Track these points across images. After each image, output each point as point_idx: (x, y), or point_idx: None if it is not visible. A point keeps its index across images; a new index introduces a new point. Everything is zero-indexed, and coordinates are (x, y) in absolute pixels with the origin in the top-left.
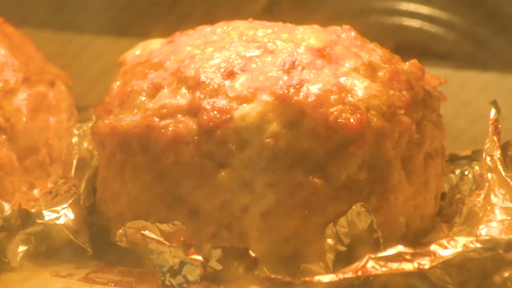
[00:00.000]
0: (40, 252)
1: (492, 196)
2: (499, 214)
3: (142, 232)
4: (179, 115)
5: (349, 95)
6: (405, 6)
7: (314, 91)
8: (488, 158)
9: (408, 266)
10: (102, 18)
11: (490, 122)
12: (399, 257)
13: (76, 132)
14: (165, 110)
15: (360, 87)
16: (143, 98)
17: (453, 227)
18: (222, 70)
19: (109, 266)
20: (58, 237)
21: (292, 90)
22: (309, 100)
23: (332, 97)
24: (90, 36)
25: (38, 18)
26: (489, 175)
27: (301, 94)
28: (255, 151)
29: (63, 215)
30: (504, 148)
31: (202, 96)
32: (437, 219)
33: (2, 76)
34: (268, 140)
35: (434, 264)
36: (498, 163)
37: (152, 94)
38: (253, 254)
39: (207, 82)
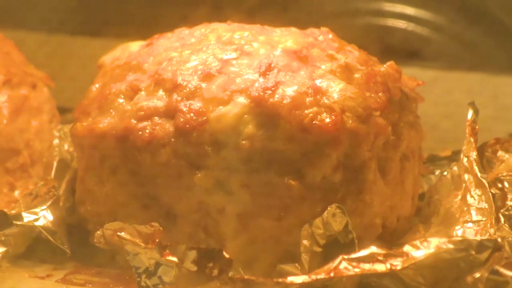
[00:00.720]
0: (19, 253)
1: (468, 197)
2: (475, 215)
3: (118, 233)
4: (156, 117)
5: (324, 97)
6: (392, 8)
7: (290, 93)
8: (465, 159)
9: (380, 267)
10: (78, 18)
11: (468, 123)
12: (371, 258)
13: (57, 134)
14: (143, 113)
15: (335, 89)
16: (121, 101)
17: (430, 228)
18: (199, 72)
19: (87, 267)
20: (37, 238)
21: (267, 92)
22: (284, 102)
23: (307, 99)
24: (64, 37)
25: (15, 19)
26: (466, 176)
27: (277, 96)
28: (231, 152)
29: (42, 216)
30: (481, 149)
31: (179, 98)
32: (414, 220)
33: None
34: (243, 142)
35: (406, 265)
36: (474, 164)
37: (130, 97)
38: (227, 255)
39: (184, 85)
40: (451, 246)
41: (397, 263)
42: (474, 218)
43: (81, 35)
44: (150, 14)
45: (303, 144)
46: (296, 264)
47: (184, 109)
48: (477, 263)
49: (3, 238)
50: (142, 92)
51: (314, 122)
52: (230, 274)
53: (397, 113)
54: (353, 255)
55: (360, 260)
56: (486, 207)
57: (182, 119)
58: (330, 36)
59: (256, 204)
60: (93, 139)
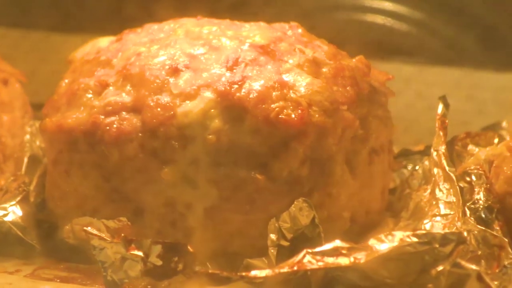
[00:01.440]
0: None
1: (437, 191)
2: (443, 209)
3: (85, 228)
4: (124, 112)
5: (291, 91)
6: (372, 3)
7: (256, 88)
8: (435, 153)
9: (344, 261)
10: (57, 13)
11: (438, 117)
12: (335, 252)
13: (28, 129)
14: (110, 108)
15: (302, 84)
16: (89, 96)
17: (399, 222)
18: (167, 67)
19: (56, 262)
20: (6, 233)
21: (234, 86)
22: (251, 96)
23: (274, 93)
24: (43, 33)
25: None
26: (435, 170)
27: (243, 90)
28: (197, 147)
29: (11, 212)
30: (451, 143)
31: (146, 93)
32: (385, 214)
33: None
34: (210, 136)
35: (369, 258)
36: (443, 158)
37: (98, 92)
38: (191, 250)
39: (151, 80)
40: (415, 239)
41: (361, 257)
42: (443, 211)
43: (60, 31)
44: (132, 10)
45: (269, 138)
46: (263, 258)
47: (151, 104)
48: (441, 256)
49: None
50: (110, 87)
51: (280, 116)
52: (197, 268)
53: (365, 107)
54: (317, 249)
55: (324, 254)
56: (454, 200)
57: (149, 114)
58: (300, 30)
59: (223, 198)
60: (61, 134)
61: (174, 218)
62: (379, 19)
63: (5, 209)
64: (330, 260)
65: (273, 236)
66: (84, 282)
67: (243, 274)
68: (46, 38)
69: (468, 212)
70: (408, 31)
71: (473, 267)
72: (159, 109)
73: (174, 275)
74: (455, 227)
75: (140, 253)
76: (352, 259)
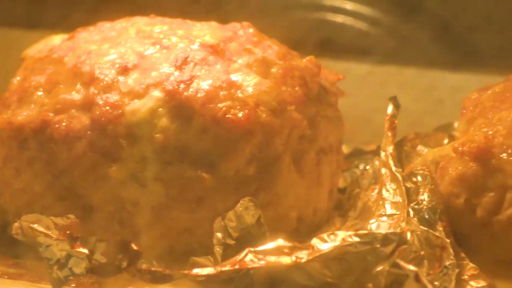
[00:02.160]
0: None
1: (384, 191)
2: (389, 209)
3: (31, 225)
4: (73, 110)
5: (239, 91)
6: (330, 2)
7: (204, 87)
8: (383, 154)
9: (285, 260)
10: (16, 9)
11: (387, 117)
12: (277, 251)
13: None
14: (60, 105)
15: (250, 83)
16: (40, 93)
17: (346, 221)
18: (117, 66)
19: (5, 259)
20: None
21: (182, 86)
22: (198, 96)
23: (221, 93)
24: (3, 28)
25: None
26: (383, 170)
27: (191, 90)
28: (145, 146)
29: None
30: (400, 143)
31: (96, 91)
32: (334, 213)
33: None
34: (157, 135)
35: (311, 257)
36: (390, 158)
37: (49, 90)
38: (135, 247)
39: (101, 78)
40: (356, 239)
41: (303, 256)
42: (389, 212)
43: (19, 27)
44: (92, 5)
45: (216, 138)
46: (209, 256)
47: (100, 102)
48: (382, 256)
49: None
50: (61, 85)
51: (227, 115)
52: (144, 266)
53: (314, 107)
54: (260, 248)
55: (266, 252)
56: (400, 201)
57: (98, 112)
58: (251, 30)
59: (169, 196)
60: (11, 132)
61: (122, 216)
62: (335, 18)
63: None
64: (272, 259)
65: (219, 235)
66: (32, 279)
67: (185, 272)
68: (5, 34)
69: (411, 213)
70: (365, 29)
71: (411, 267)
72: (108, 108)
73: (118, 273)
74: (399, 228)
75: (85, 251)
76: (293, 258)
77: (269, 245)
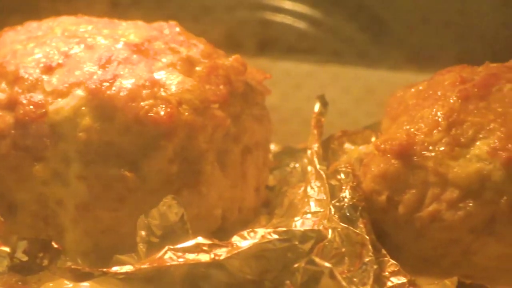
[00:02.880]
0: None
1: (309, 189)
2: (314, 206)
3: None
4: None
5: (161, 89)
6: (271, 2)
7: (127, 86)
8: (309, 152)
9: (204, 257)
10: None
11: (314, 115)
12: (196, 248)
13: None
14: None
15: (173, 82)
16: None
17: (272, 219)
18: (41, 65)
19: None
20: None
21: (105, 84)
22: (121, 94)
23: (144, 91)
24: None
25: None
26: (309, 168)
27: (114, 88)
28: (68, 144)
29: None
30: (327, 141)
31: (20, 90)
32: (262, 211)
33: None
34: (80, 134)
35: (229, 255)
36: (315, 156)
37: None
38: (56, 245)
39: (25, 77)
40: (275, 236)
41: (221, 253)
42: (313, 209)
43: None
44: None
45: (139, 136)
46: (133, 254)
47: (24, 101)
48: (301, 253)
49: None
50: None
51: (149, 114)
52: (61, 264)
53: (239, 106)
54: (179, 246)
55: (186, 250)
56: (324, 198)
57: (21, 111)
58: (177, 29)
59: (93, 195)
60: None
61: (46, 214)
62: (276, 18)
63: None
64: (191, 256)
65: (142, 233)
66: None
67: (105, 270)
68: None
69: (333, 210)
70: (306, 29)
71: (326, 264)
72: (31, 107)
73: (40, 271)
74: (322, 225)
75: (7, 249)
76: (212, 256)
77: (188, 243)
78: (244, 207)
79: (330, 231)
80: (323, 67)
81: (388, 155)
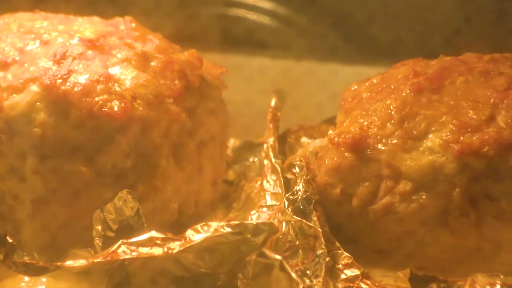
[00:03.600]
0: None
1: (265, 182)
2: (269, 200)
3: None
4: None
5: (116, 84)
6: None
7: (81, 81)
8: (265, 146)
9: (158, 251)
10: None
11: (270, 110)
12: (150, 242)
13: None
14: None
15: (128, 77)
16: None
17: (229, 213)
18: None
19: None
20: None
21: (59, 80)
22: (75, 90)
23: (98, 87)
24: None
25: None
26: (265, 162)
27: (68, 84)
28: (24, 140)
29: None
30: (284, 135)
31: None
32: (220, 205)
33: None
34: (35, 129)
35: (182, 248)
36: (270, 150)
37: None
38: (10, 240)
39: None
40: (228, 229)
41: (175, 247)
42: (269, 202)
43: None
44: None
45: (93, 131)
46: (89, 249)
47: None
48: (254, 246)
49: None
50: None
51: (103, 109)
52: (16, 259)
53: (194, 100)
54: (133, 239)
55: (139, 244)
56: (280, 192)
57: None
58: (133, 25)
59: (48, 190)
60: None
61: (3, 210)
62: (232, 11)
63: None
64: (144, 250)
65: (98, 227)
66: None
67: (58, 264)
68: None
69: (286, 203)
70: (263, 22)
71: (277, 256)
72: None
73: None
74: (276, 218)
75: None
76: (165, 249)
77: (142, 237)
78: (201, 201)
79: (284, 224)
80: (279, 61)
81: (342, 148)
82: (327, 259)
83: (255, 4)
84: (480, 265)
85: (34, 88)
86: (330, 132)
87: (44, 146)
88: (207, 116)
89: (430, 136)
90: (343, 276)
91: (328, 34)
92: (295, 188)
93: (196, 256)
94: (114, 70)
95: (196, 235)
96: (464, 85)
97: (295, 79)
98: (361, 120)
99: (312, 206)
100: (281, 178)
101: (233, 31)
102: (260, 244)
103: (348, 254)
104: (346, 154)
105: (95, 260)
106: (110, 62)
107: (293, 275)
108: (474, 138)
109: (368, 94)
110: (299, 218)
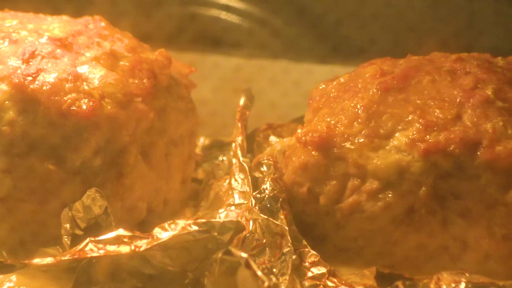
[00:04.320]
0: None
1: (233, 181)
2: (237, 198)
3: None
4: None
5: (84, 83)
6: None
7: (50, 80)
8: (233, 144)
9: (125, 249)
10: None
11: (239, 109)
12: (117, 240)
13: None
14: None
15: (96, 76)
16: None
17: (198, 211)
18: None
19: None
20: None
21: (28, 79)
22: (44, 88)
23: (67, 85)
24: None
25: None
26: (234, 160)
27: (37, 82)
28: None
29: None
30: (252, 134)
31: None
32: (188, 204)
33: None
34: (4, 128)
35: (149, 246)
36: (238, 148)
37: None
38: None
39: None
40: (195, 228)
41: (142, 245)
42: (237, 201)
43: None
44: None
45: (62, 130)
46: (58, 247)
47: None
48: (221, 244)
49: None
50: None
51: (72, 108)
52: None
53: (163, 99)
54: (100, 237)
55: (106, 242)
56: (248, 190)
57: None
58: (102, 24)
59: (18, 188)
60: None
61: None
62: (206, 11)
63: None
64: (112, 248)
65: (67, 226)
66: None
67: (26, 262)
68: None
69: (253, 202)
70: (237, 22)
71: (242, 254)
72: None
73: None
74: (244, 217)
75: None
76: (132, 247)
77: (109, 235)
78: (170, 200)
79: (251, 222)
80: (253, 60)
81: (309, 147)
82: (294, 257)
83: (230, 4)
84: (447, 263)
85: (3, 86)
86: (299, 131)
87: (13, 145)
88: (176, 115)
89: (396, 135)
90: (310, 274)
91: (303, 34)
92: (263, 187)
93: (163, 254)
94: (83, 69)
95: (163, 233)
96: (431, 84)
97: (270, 78)
98: (329, 119)
99: (279, 205)
100: (249, 177)
101: (208, 31)
102: (227, 242)
103: (315, 252)
104: (313, 152)
105: (63, 258)
106: (79, 61)
107: (259, 273)
108: (440, 137)
109: (336, 93)
110: (266, 217)
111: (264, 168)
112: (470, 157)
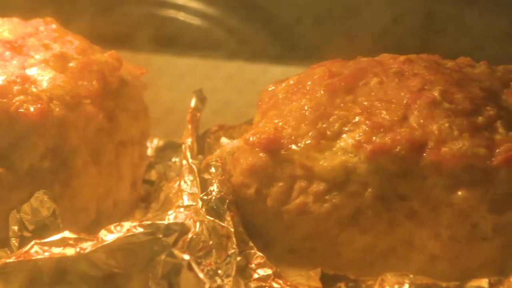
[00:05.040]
0: None
1: (182, 183)
2: (186, 200)
3: None
4: None
5: (33, 86)
6: None
7: None
8: (183, 146)
9: (70, 251)
10: None
11: (190, 110)
12: (62, 242)
13: None
14: None
15: (45, 78)
16: None
17: (148, 213)
18: None
19: None
20: None
21: None
22: None
23: (15, 87)
24: None
25: None
26: (184, 162)
27: None
28: None
29: None
30: (203, 135)
31: None
32: (139, 205)
33: None
34: None
35: (94, 248)
36: (188, 150)
37: None
38: None
39: None
40: (140, 229)
41: (87, 247)
42: (186, 203)
43: None
44: None
45: (9, 132)
46: (6, 249)
47: None
48: (166, 246)
49: None
50: None
51: (19, 110)
52: None
53: (113, 101)
54: (46, 240)
55: (52, 244)
56: (197, 192)
57: None
58: (53, 26)
59: None
60: None
61: None
62: (160, 11)
63: None
64: (57, 250)
65: (15, 228)
66: None
67: None
68: None
69: (200, 203)
70: (193, 22)
71: (185, 256)
72: None
73: None
74: (192, 218)
75: None
76: (78, 249)
77: (55, 237)
78: (120, 201)
79: (197, 224)
80: (207, 60)
81: (257, 149)
82: (238, 258)
83: (185, 4)
84: (394, 265)
85: None
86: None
87: None
88: (126, 117)
89: (343, 136)
90: (255, 276)
91: (257, 34)
92: (210, 189)
93: (108, 256)
94: (32, 71)
95: (108, 235)
96: (378, 86)
97: (225, 78)
98: (276, 121)
99: (226, 206)
100: (198, 179)
101: (163, 31)
102: (172, 244)
103: (261, 254)
104: (260, 154)
105: (7, 261)
106: (28, 63)
107: (201, 275)
108: (387, 138)
109: (284, 94)
110: (212, 218)
111: (213, 170)
112: (416, 158)
